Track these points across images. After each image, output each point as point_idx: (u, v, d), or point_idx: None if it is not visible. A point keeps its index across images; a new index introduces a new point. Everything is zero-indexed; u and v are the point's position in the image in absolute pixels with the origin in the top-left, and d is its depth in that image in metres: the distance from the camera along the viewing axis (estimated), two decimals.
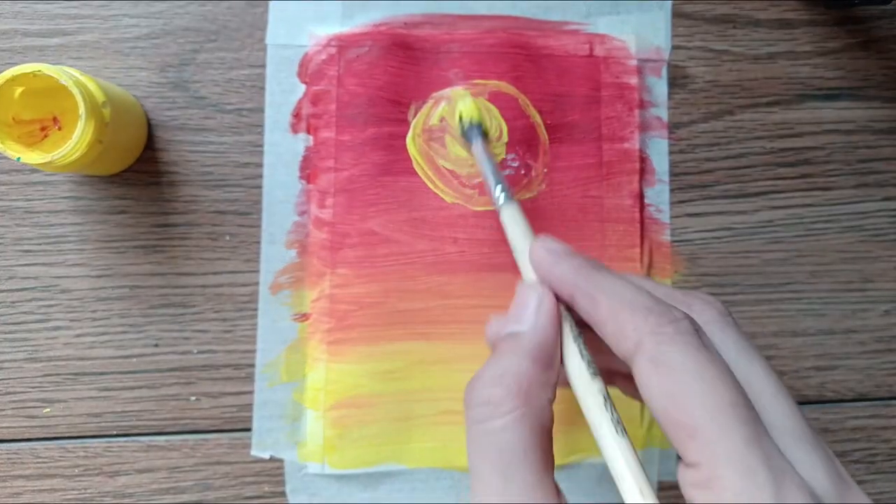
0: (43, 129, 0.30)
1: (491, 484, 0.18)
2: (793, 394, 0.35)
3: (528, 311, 0.21)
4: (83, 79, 0.28)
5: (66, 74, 0.27)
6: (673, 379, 0.17)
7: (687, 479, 0.16)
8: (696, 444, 0.16)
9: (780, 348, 0.35)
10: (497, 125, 0.33)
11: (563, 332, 0.21)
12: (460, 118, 0.32)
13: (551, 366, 0.20)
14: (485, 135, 0.32)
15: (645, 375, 0.17)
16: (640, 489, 0.17)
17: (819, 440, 0.18)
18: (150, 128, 0.33)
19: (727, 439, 0.15)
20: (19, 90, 0.28)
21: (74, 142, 0.27)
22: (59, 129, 0.30)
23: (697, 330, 0.18)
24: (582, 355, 0.20)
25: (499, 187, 0.28)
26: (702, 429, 0.16)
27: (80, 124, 0.27)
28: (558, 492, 0.19)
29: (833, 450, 0.34)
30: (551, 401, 0.20)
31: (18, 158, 0.27)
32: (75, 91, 0.27)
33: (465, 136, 0.32)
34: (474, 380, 0.20)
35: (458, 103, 0.33)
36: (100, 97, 0.28)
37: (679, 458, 0.17)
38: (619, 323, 0.19)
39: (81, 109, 0.27)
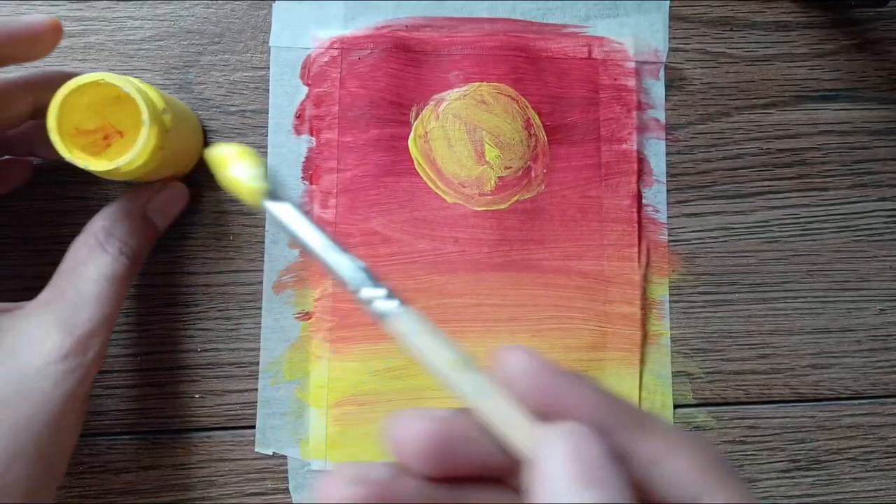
0: (105, 137, 0.30)
1: None
2: (789, 392, 0.35)
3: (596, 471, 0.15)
4: (143, 86, 0.28)
5: (128, 82, 0.27)
6: None
7: None
8: None
9: (776, 347, 0.35)
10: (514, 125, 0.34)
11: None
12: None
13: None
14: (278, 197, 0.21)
15: None
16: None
17: None
18: None
19: None
20: (85, 99, 0.28)
21: (139, 148, 0.27)
22: (122, 136, 0.30)
23: None
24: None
25: (377, 285, 0.18)
26: None
27: (144, 131, 0.27)
28: None
29: (829, 448, 0.35)
30: None
31: (86, 166, 0.27)
32: (138, 98, 0.27)
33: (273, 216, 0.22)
34: None
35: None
36: (160, 104, 0.28)
37: None
38: (677, 462, 0.16)
39: (145, 116, 0.27)
